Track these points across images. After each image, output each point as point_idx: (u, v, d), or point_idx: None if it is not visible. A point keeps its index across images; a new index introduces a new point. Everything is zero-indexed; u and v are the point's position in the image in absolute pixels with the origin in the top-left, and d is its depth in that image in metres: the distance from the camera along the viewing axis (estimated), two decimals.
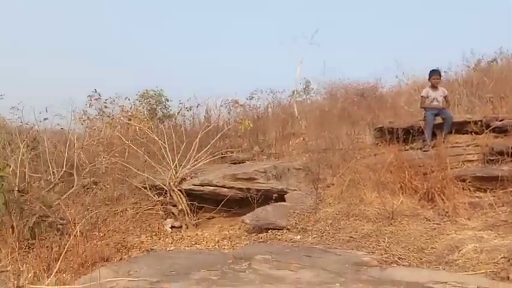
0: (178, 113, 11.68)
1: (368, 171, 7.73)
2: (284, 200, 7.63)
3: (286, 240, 6.45)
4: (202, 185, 7.96)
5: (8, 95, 9.08)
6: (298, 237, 6.52)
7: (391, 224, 6.34)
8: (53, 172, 7.56)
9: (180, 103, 11.91)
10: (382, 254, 5.36)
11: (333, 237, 6.23)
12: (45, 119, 8.69)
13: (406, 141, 8.24)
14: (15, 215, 6.41)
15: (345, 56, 28.20)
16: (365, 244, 5.79)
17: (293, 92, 15.48)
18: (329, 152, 8.95)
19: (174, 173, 8.03)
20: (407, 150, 8.15)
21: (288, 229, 6.77)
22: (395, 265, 5.06)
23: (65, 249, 5.60)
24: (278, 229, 6.82)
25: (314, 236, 6.47)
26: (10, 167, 6.89)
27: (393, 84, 15.97)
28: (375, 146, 9.02)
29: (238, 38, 42.70)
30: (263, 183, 7.88)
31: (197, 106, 11.30)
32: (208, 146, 8.70)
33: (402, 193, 7.08)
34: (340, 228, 6.46)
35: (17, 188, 6.64)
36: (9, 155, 7.73)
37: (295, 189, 7.96)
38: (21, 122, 8.68)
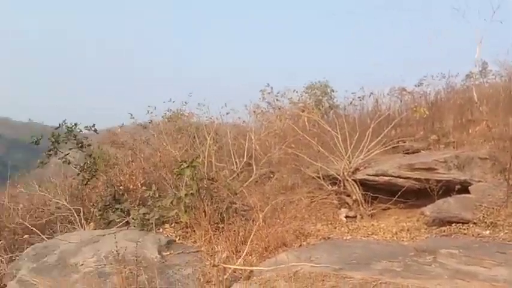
0: (350, 103, 11.60)
1: None
2: (468, 192, 7.08)
3: (473, 235, 6.02)
4: (377, 175, 7.82)
5: (195, 93, 10.12)
6: (487, 232, 6.03)
7: None
8: (236, 162, 8.19)
9: (352, 93, 11.79)
10: None
11: None
12: (227, 113, 9.45)
13: None
14: (206, 201, 7.11)
15: None
16: None
17: (470, 74, 14.11)
18: None
19: (348, 163, 8.04)
20: None
21: (474, 223, 6.29)
22: None
23: (252, 234, 6.03)
24: (462, 223, 6.39)
25: (506, 231, 5.91)
26: (200, 157, 7.65)
27: None
28: None
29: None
30: (444, 173, 7.42)
31: (370, 95, 11.06)
32: (381, 135, 8.50)
33: None
34: None
35: (207, 177, 7.35)
36: (198, 146, 8.61)
37: (480, 181, 7.32)
38: (207, 117, 9.59)
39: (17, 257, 7.19)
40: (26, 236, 7.94)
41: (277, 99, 12.56)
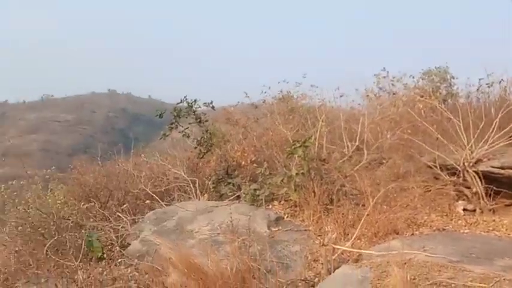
0: (477, 89, 10.77)
1: None
2: None
3: None
4: (502, 168, 7.21)
5: (309, 75, 10.13)
6: None
7: None
8: (347, 146, 8.10)
9: (479, 79, 10.93)
10: None
11: None
12: (340, 96, 9.35)
13: None
14: (316, 181, 7.15)
15: None
16: None
17: None
18: None
19: (469, 153, 7.52)
20: None
21: None
22: None
23: (363, 219, 5.96)
24: None
25: None
26: (312, 138, 7.67)
27: None
28: None
29: None
30: None
31: (500, 82, 10.16)
32: (510, 126, 7.79)
33: None
34: None
35: (318, 157, 7.37)
36: (310, 127, 8.64)
37: None
38: (319, 99, 9.57)
39: (140, 220, 7.86)
40: (147, 201, 8.62)
41: (392, 84, 12.10)
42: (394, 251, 4.85)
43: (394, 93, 12.06)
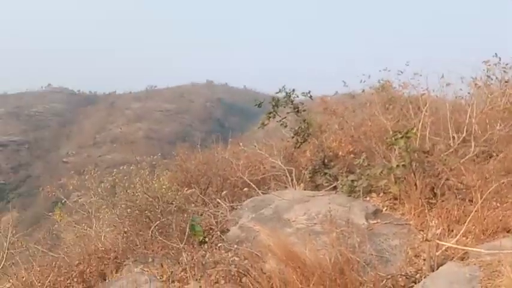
0: None
1: None
2: None
3: None
4: None
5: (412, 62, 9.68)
6: None
7: None
8: (453, 137, 7.64)
9: None
10: None
11: None
12: (446, 85, 8.82)
13: None
14: (418, 174, 6.84)
15: None
16: None
17: None
18: None
19: None
20: None
21: None
22: None
23: (470, 215, 5.61)
24: None
25: None
26: (414, 129, 7.34)
27: None
28: None
29: None
30: None
31: None
32: None
33: None
34: None
35: (421, 149, 7.05)
36: (412, 117, 8.28)
37: None
38: (422, 88, 9.12)
39: (238, 207, 8.10)
40: (245, 189, 8.86)
41: (504, 71, 11.11)
42: (506, 250, 4.52)
43: (506, 82, 11.09)
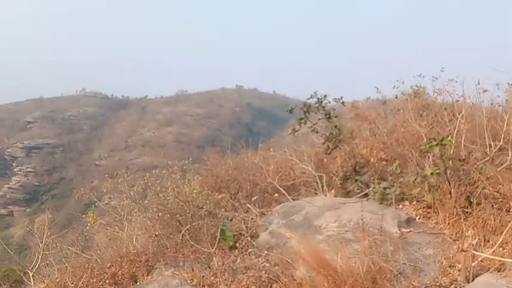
0: None
1: None
2: None
3: None
4: None
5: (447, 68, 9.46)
6: None
7: None
8: (489, 145, 7.43)
9: None
10: None
11: None
12: (484, 91, 8.58)
13: None
14: (453, 182, 6.68)
15: None
16: None
17: None
18: None
19: None
20: None
21: None
22: None
23: (509, 225, 5.45)
24: None
25: None
26: (449, 136, 7.19)
27: None
28: None
29: None
30: None
31: None
32: None
33: None
34: None
35: (457, 157, 6.89)
36: (447, 124, 8.11)
37: None
38: (458, 94, 8.90)
39: (268, 212, 8.09)
40: (276, 194, 8.84)
41: None
42: None
43: None
